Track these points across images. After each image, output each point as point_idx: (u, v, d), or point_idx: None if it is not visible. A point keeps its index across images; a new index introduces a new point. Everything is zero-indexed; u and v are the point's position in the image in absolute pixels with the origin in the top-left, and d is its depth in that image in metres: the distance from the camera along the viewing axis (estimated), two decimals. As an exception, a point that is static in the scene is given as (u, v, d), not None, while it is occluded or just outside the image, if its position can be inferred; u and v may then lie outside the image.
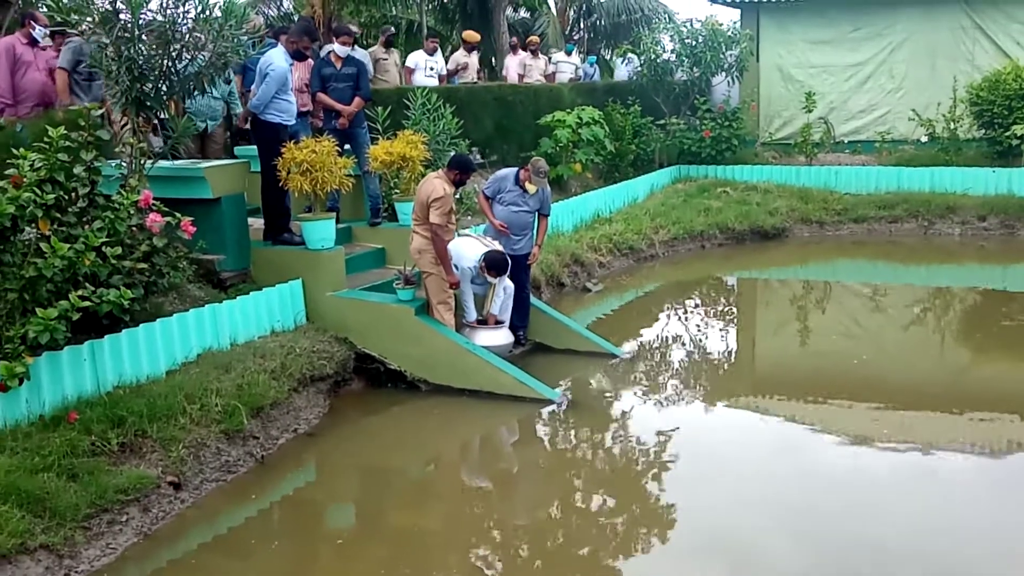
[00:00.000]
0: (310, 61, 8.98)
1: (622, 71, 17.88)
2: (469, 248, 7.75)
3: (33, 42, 8.71)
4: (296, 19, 18.15)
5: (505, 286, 7.97)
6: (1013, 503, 5.54)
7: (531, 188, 8.16)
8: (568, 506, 5.80)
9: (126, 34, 6.81)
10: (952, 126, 14.77)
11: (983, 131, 14.67)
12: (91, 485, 5.11)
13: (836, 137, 16.28)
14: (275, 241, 8.03)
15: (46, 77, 8.70)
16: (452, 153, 9.40)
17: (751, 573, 4.87)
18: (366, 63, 10.20)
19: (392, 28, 14.17)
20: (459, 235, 7.95)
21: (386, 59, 12.52)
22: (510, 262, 7.78)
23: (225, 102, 9.41)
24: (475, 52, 14.73)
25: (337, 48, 9.04)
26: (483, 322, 7.88)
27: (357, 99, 8.93)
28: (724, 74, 16.13)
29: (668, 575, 4.97)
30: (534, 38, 16.83)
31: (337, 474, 6.44)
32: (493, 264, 7.62)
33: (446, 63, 14.04)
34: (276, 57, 7.80)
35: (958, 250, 13.13)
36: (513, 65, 15.53)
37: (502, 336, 7.82)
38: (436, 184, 7.42)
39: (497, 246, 7.86)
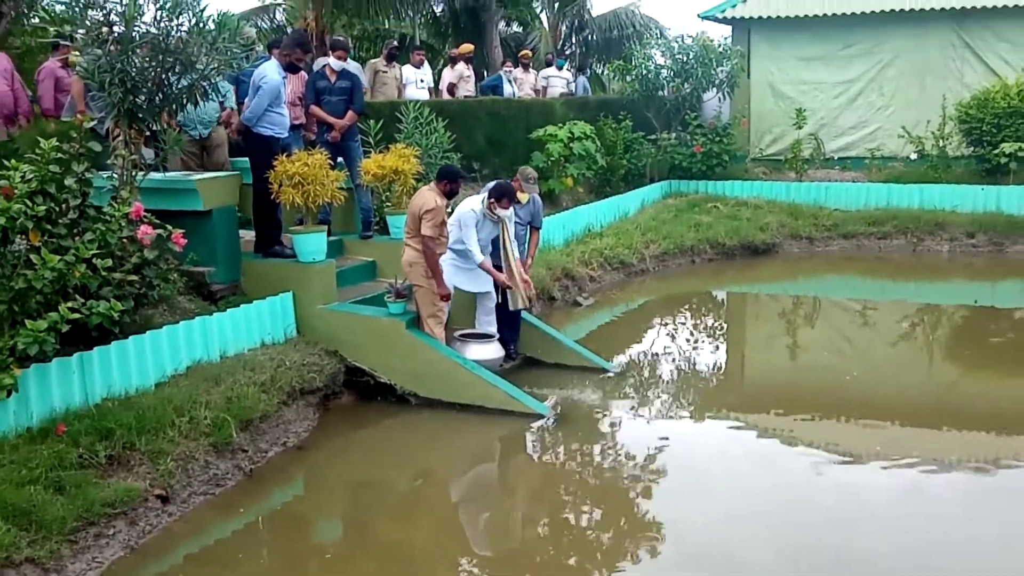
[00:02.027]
0: (303, 74, 8.99)
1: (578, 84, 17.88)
2: (469, 201, 7.80)
3: None
4: (289, 31, 18.18)
5: (490, 294, 7.97)
6: (1001, 519, 5.55)
7: (523, 197, 8.18)
8: (557, 520, 5.79)
9: (119, 46, 6.82)
10: (941, 143, 14.87)
11: (972, 149, 14.78)
12: (78, 498, 5.08)
13: (826, 153, 16.37)
14: (266, 254, 8.02)
15: (5, 87, 8.66)
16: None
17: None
18: (359, 76, 10.21)
19: (395, 42, 14.21)
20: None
21: (386, 72, 12.55)
22: (515, 190, 7.78)
23: (220, 103, 9.34)
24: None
25: (332, 62, 9.07)
26: (474, 335, 7.87)
27: (350, 113, 8.95)
28: (715, 90, 16.23)
29: (657, 590, 4.97)
30: (527, 52, 16.90)
31: (326, 488, 6.42)
32: (500, 192, 7.62)
33: (438, 77, 14.10)
34: (269, 70, 7.81)
35: (947, 267, 13.20)
36: (448, 77, 14.63)
37: (492, 350, 7.83)
38: (428, 196, 7.44)
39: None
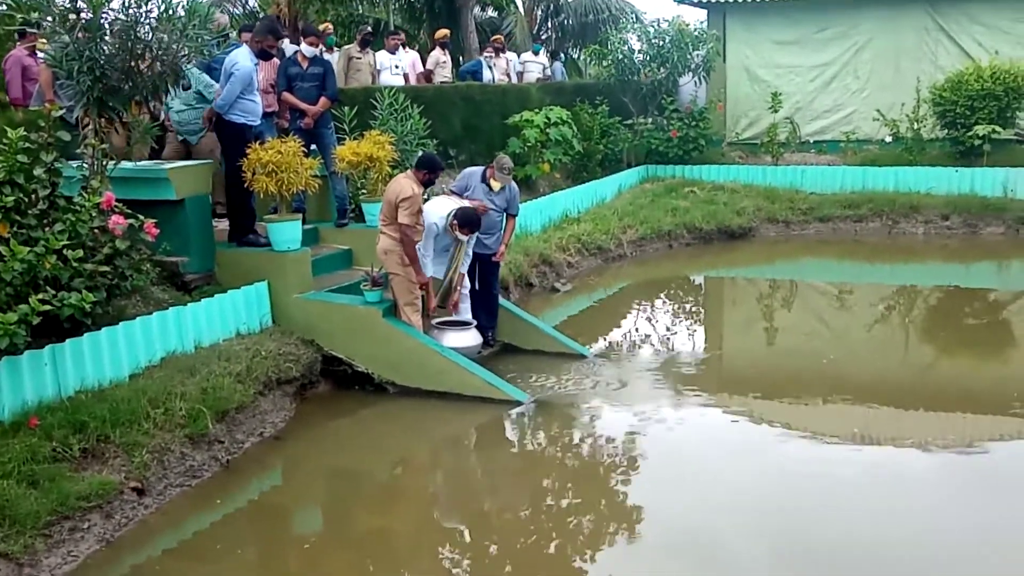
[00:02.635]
0: (275, 61, 8.89)
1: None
2: (438, 206, 7.70)
3: None
4: (261, 17, 18.00)
5: (465, 284, 7.96)
6: (979, 500, 5.60)
7: (496, 185, 8.14)
8: (536, 506, 5.79)
9: (87, 33, 6.71)
10: (916, 126, 14.94)
11: (946, 131, 14.88)
12: (52, 492, 5.02)
13: (802, 137, 16.41)
14: (240, 242, 7.95)
15: None
16: (420, 153, 9.37)
17: (716, 572, 4.89)
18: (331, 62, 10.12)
19: (369, 28, 14.08)
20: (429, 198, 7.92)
21: (360, 59, 12.44)
22: (481, 220, 7.76)
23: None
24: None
25: (304, 48, 8.98)
26: (451, 323, 7.85)
27: (323, 99, 8.86)
28: (691, 74, 16.22)
29: (635, 574, 4.97)
30: (499, 37, 16.80)
31: (304, 478, 6.38)
32: (465, 220, 7.58)
33: (423, 63, 14.00)
34: (241, 57, 7.72)
35: (922, 249, 13.30)
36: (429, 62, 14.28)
37: (470, 338, 7.80)
38: (404, 184, 7.38)
39: (468, 204, 7.83)
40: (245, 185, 7.54)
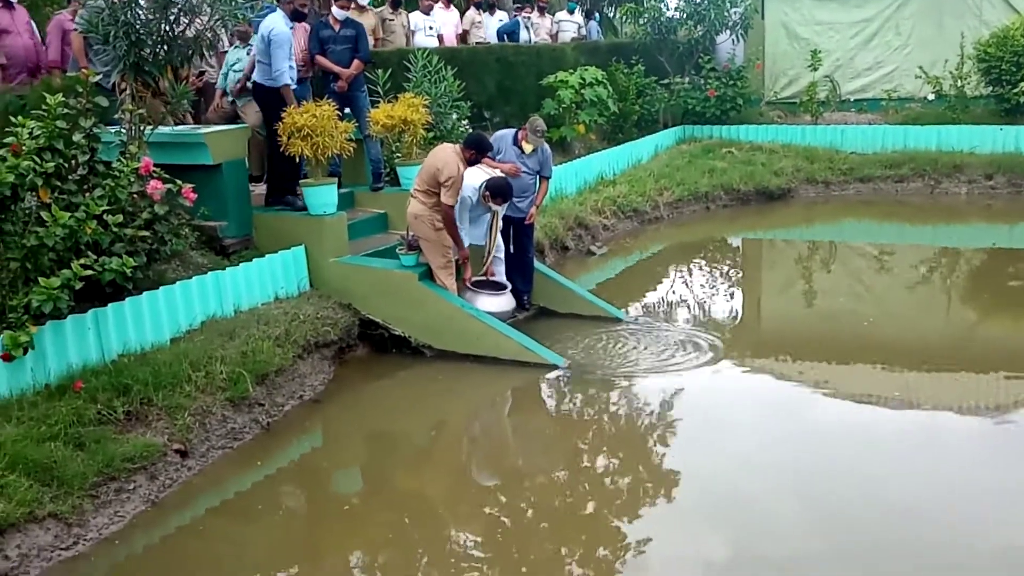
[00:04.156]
0: (306, 25, 8.87)
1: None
2: (471, 176, 7.65)
3: (7, 5, 8.56)
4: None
5: (500, 247, 7.94)
6: (1016, 465, 5.52)
7: (527, 147, 8.09)
8: (573, 469, 5.81)
9: (123, -2, 6.73)
10: (959, 83, 14.60)
11: (991, 88, 14.51)
12: (98, 453, 5.12)
13: (842, 95, 16.11)
14: (276, 202, 7.98)
15: (28, 40, 8.56)
16: (461, 122, 9.35)
17: (757, 534, 4.88)
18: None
19: None
20: None
21: (392, 20, 12.34)
22: (513, 188, 7.74)
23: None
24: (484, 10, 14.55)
25: (335, 11, 8.93)
26: (483, 283, 7.85)
27: (356, 62, 8.82)
28: (728, 32, 15.96)
29: (673, 536, 4.98)
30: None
31: (343, 440, 6.45)
32: (497, 190, 7.55)
33: (461, 22, 13.86)
34: (277, 22, 7.69)
35: (965, 209, 13.06)
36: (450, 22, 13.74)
37: (504, 302, 7.78)
38: (450, 161, 7.24)
39: (499, 173, 7.80)
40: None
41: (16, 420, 5.13)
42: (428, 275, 7.54)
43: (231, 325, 6.72)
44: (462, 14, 14.21)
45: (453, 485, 5.75)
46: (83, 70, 6.67)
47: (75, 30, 8.18)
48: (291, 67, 7.83)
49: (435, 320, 7.41)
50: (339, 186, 8.11)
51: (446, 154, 7.35)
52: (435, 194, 7.33)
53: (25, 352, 5.36)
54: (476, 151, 7.44)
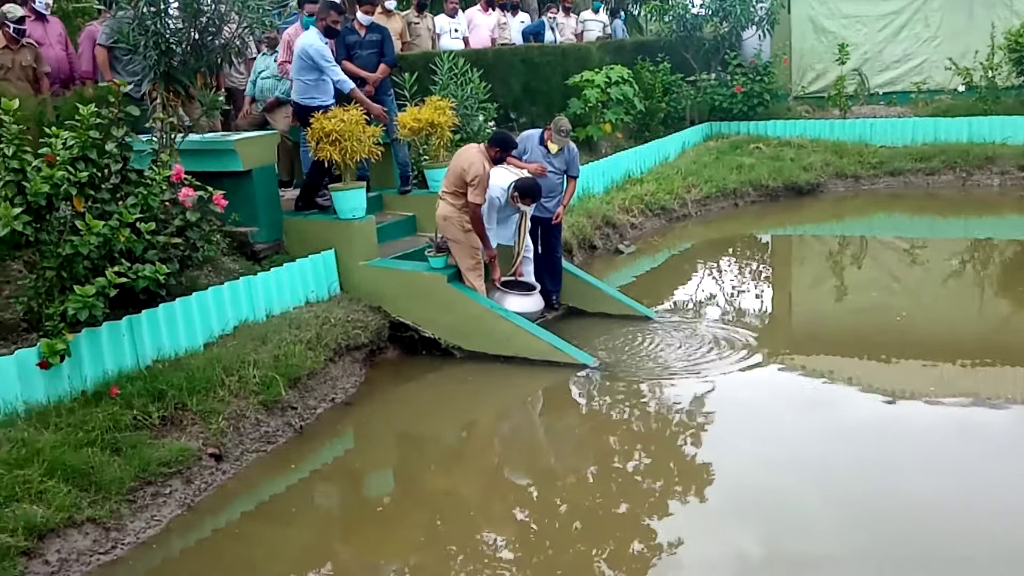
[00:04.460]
0: None
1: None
2: (498, 177, 7.66)
3: (40, 17, 8.68)
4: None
5: (528, 247, 7.95)
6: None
7: (553, 147, 8.09)
8: (604, 467, 5.81)
9: (152, 7, 6.81)
10: (990, 74, 14.44)
11: (1022, 79, 14.31)
12: (134, 458, 5.19)
13: (871, 89, 15.98)
14: (307, 204, 8.05)
15: (61, 51, 8.68)
16: (487, 124, 9.36)
17: (790, 531, 4.87)
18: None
19: None
20: None
21: (418, 23, 12.38)
22: (542, 188, 7.74)
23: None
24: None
25: (360, 16, 8.98)
26: (512, 283, 7.86)
27: (382, 66, 8.86)
28: (755, 27, 15.87)
29: (704, 533, 4.97)
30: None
31: (375, 442, 6.49)
32: (525, 191, 7.56)
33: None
34: (312, 39, 7.76)
35: (997, 201, 12.90)
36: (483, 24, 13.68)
37: (533, 303, 7.78)
38: (476, 160, 7.27)
39: (525, 174, 7.81)
40: (327, 166, 7.68)
41: (54, 426, 5.21)
42: (457, 277, 7.57)
43: (263, 330, 6.79)
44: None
45: (485, 485, 5.77)
46: (113, 81, 6.76)
47: (98, 44, 8.30)
48: (325, 81, 7.88)
49: (465, 321, 7.44)
50: (367, 190, 8.16)
51: (471, 154, 7.37)
52: (463, 195, 7.36)
53: (62, 359, 5.44)
54: (501, 149, 7.47)
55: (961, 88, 15.04)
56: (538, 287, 7.96)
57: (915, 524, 4.83)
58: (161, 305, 6.19)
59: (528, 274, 8.07)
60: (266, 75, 9.48)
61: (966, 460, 5.49)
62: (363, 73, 8.83)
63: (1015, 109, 14.20)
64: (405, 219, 8.79)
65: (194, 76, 7.32)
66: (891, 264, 10.54)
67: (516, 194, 7.59)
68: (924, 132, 14.40)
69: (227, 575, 4.79)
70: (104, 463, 5.04)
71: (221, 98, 7.95)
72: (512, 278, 7.95)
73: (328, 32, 7.95)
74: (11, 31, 8.14)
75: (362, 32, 8.90)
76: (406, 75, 9.60)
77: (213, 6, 6.99)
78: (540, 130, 8.34)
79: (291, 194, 8.54)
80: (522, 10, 15.29)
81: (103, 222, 5.67)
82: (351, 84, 7.87)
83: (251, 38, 8.57)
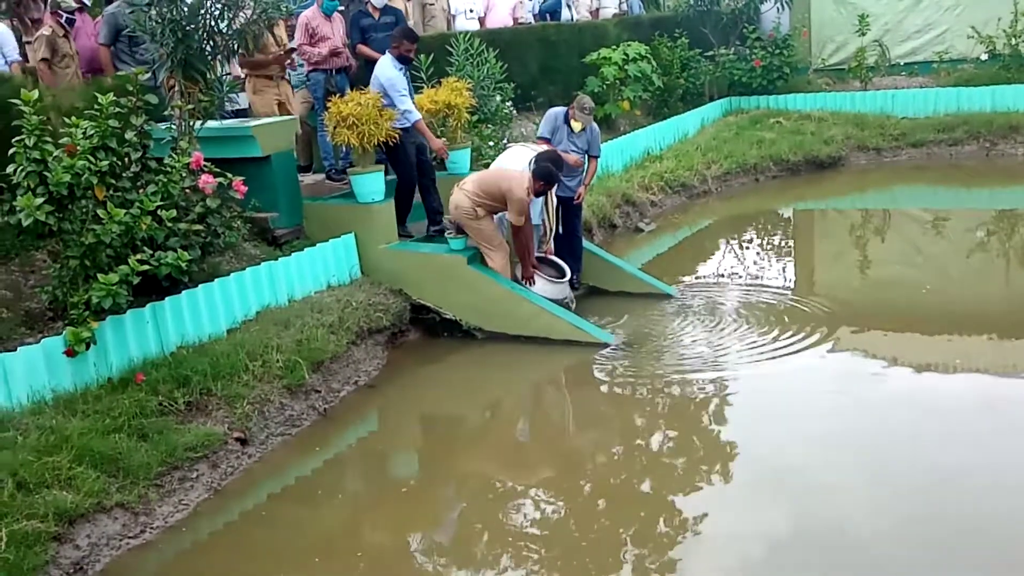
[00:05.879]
0: (340, 16, 8.92)
1: None
2: (515, 159, 7.62)
3: (82, 8, 8.77)
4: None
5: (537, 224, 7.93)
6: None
7: (576, 125, 8.03)
8: (629, 446, 5.82)
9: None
10: (1014, 42, 14.19)
11: (1047, 45, 14.10)
12: (161, 444, 5.25)
13: (892, 60, 15.75)
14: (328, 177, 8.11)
15: (95, 43, 8.74)
16: (505, 104, 9.32)
17: (817, 507, 4.85)
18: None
19: None
20: (508, 146, 7.88)
21: (433, 4, 12.35)
22: (562, 169, 7.66)
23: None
24: None
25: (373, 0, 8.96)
26: (541, 259, 7.85)
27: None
28: (773, 0, 15.69)
29: (731, 511, 4.95)
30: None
31: (399, 424, 6.52)
32: (545, 177, 7.32)
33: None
34: (386, 67, 7.76)
35: (1022, 171, 12.72)
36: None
37: (559, 291, 7.70)
38: (517, 185, 7.17)
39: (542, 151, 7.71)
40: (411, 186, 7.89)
41: (81, 414, 5.26)
42: (477, 258, 7.56)
43: (286, 314, 6.82)
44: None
45: (509, 465, 5.78)
46: (132, 70, 6.78)
47: (101, 44, 8.37)
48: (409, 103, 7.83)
49: (485, 303, 7.44)
50: (386, 173, 8.16)
51: (516, 181, 7.24)
52: (488, 206, 7.34)
53: (87, 347, 5.50)
54: (545, 184, 7.37)
55: (984, 56, 14.80)
56: (569, 275, 7.90)
57: (939, 499, 4.80)
58: (184, 292, 6.23)
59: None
60: None
61: (996, 435, 5.42)
62: (378, 56, 8.80)
63: (1039, 77, 13.99)
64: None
65: (211, 63, 7.31)
66: (915, 237, 10.43)
67: (537, 181, 7.45)
68: (947, 102, 14.21)
69: (255, 558, 4.83)
70: (131, 449, 5.10)
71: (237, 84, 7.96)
72: (542, 254, 7.92)
73: (401, 60, 7.88)
74: (63, 21, 8.34)
75: (376, 15, 8.90)
76: (422, 57, 9.57)
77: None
78: (564, 108, 8.26)
79: (310, 179, 8.55)
80: None
81: (125, 211, 5.71)
82: (418, 116, 7.80)
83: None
